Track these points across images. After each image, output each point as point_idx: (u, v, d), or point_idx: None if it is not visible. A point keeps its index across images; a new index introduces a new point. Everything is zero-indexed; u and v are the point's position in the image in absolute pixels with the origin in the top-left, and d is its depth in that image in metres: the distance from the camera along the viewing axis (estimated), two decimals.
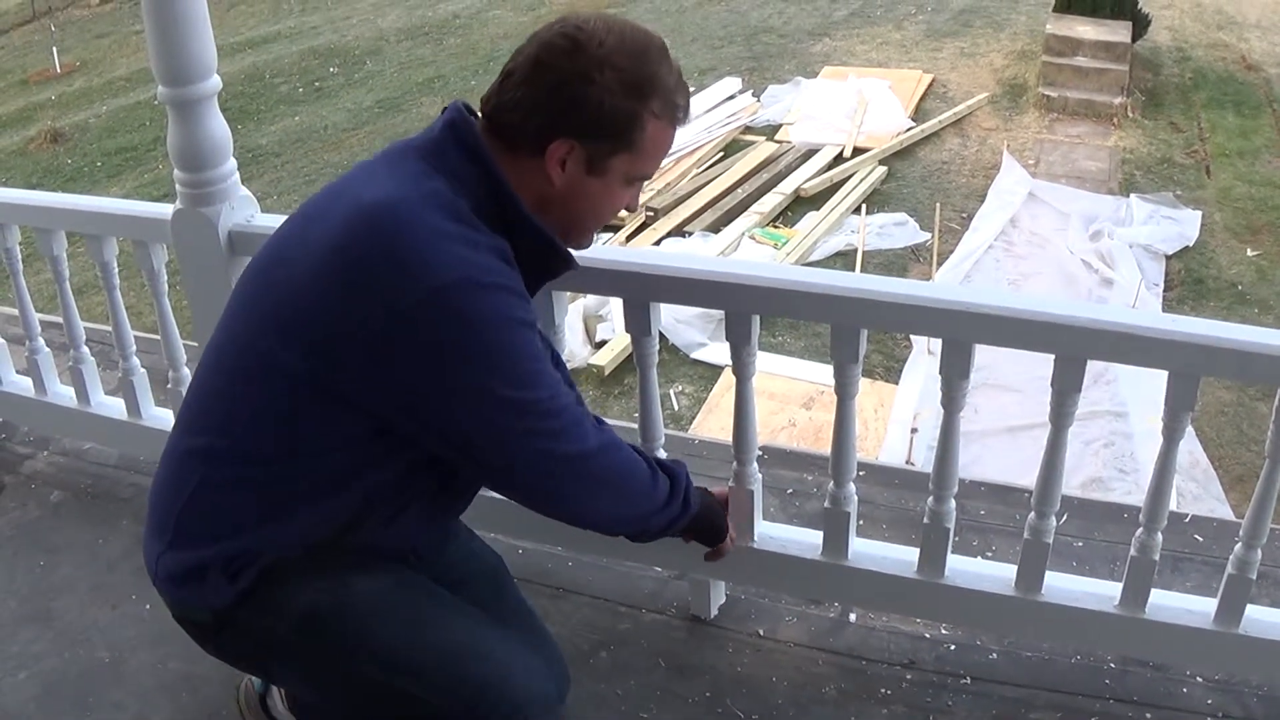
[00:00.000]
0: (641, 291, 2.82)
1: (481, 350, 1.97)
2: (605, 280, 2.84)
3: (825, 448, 3.02)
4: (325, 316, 1.98)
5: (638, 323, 2.87)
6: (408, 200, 2.00)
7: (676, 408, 7.79)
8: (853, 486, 2.95)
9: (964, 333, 2.62)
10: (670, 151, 2.27)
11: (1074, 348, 2.56)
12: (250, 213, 3.15)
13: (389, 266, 1.94)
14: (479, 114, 2.19)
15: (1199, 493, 6.92)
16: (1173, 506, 2.78)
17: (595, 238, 2.36)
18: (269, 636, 2.24)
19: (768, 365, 7.72)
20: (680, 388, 8.07)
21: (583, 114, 2.04)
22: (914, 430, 7.52)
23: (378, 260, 1.94)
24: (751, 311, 2.77)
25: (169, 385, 3.61)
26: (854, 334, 2.71)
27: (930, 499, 2.89)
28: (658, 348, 3.00)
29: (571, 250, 2.24)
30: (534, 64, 2.06)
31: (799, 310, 2.92)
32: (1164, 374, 2.56)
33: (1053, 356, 2.61)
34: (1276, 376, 2.51)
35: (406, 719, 2.27)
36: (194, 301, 3.23)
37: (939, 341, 2.73)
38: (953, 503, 2.88)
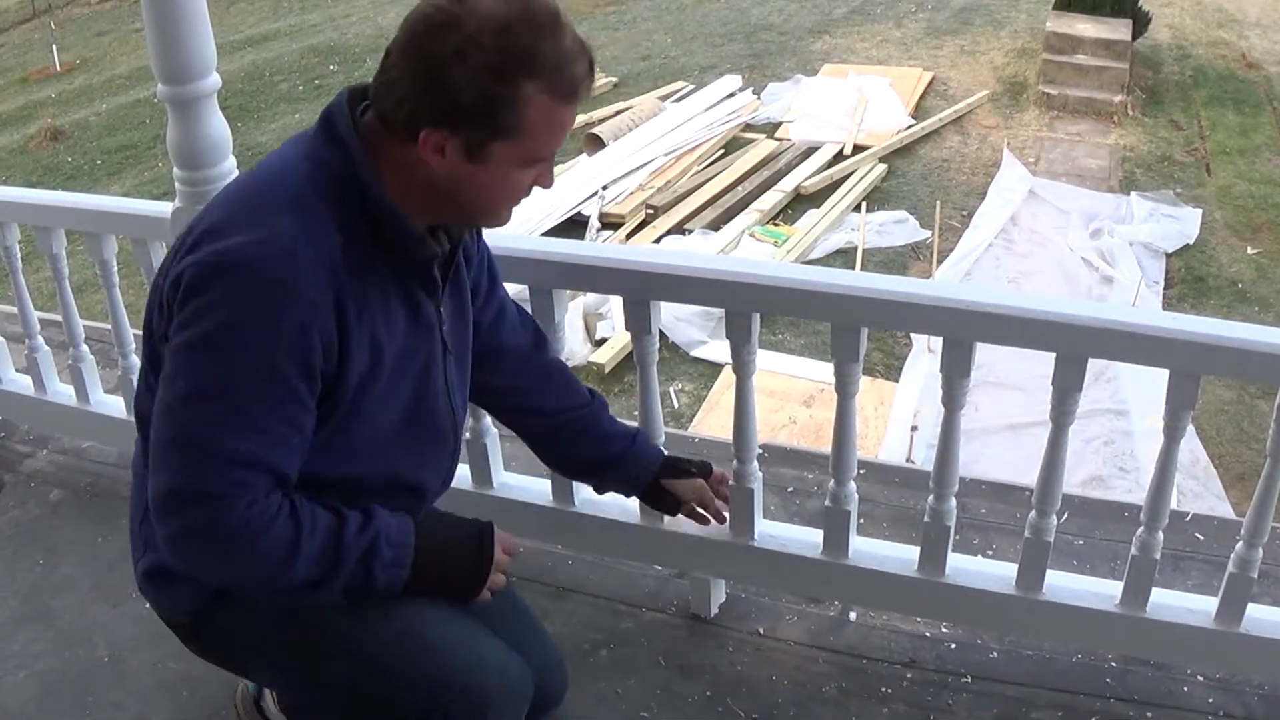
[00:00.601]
0: (641, 289, 2.81)
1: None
2: (605, 278, 2.84)
3: (825, 445, 3.02)
4: None
5: (638, 321, 2.87)
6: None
7: (677, 405, 7.78)
8: (853, 485, 2.95)
9: (965, 331, 2.62)
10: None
11: (1075, 346, 2.56)
12: None
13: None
14: None
15: (1200, 491, 6.91)
16: (1173, 505, 2.77)
17: (512, 216, 2.20)
18: (244, 638, 2.28)
19: (768, 363, 7.71)
20: (680, 385, 8.07)
21: (448, 101, 1.92)
22: (914, 428, 7.52)
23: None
24: (752, 309, 2.77)
25: None
26: (854, 332, 2.71)
27: (931, 497, 2.89)
28: (658, 346, 2.99)
29: (488, 228, 2.25)
30: (406, 42, 1.94)
31: (799, 308, 2.92)
32: (1165, 372, 2.56)
33: (1053, 355, 2.61)
34: (1277, 375, 2.51)
35: (376, 714, 2.27)
36: None
37: (939, 340, 2.73)
38: (953, 501, 2.88)
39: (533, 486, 3.31)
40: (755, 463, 3.00)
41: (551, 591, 3.40)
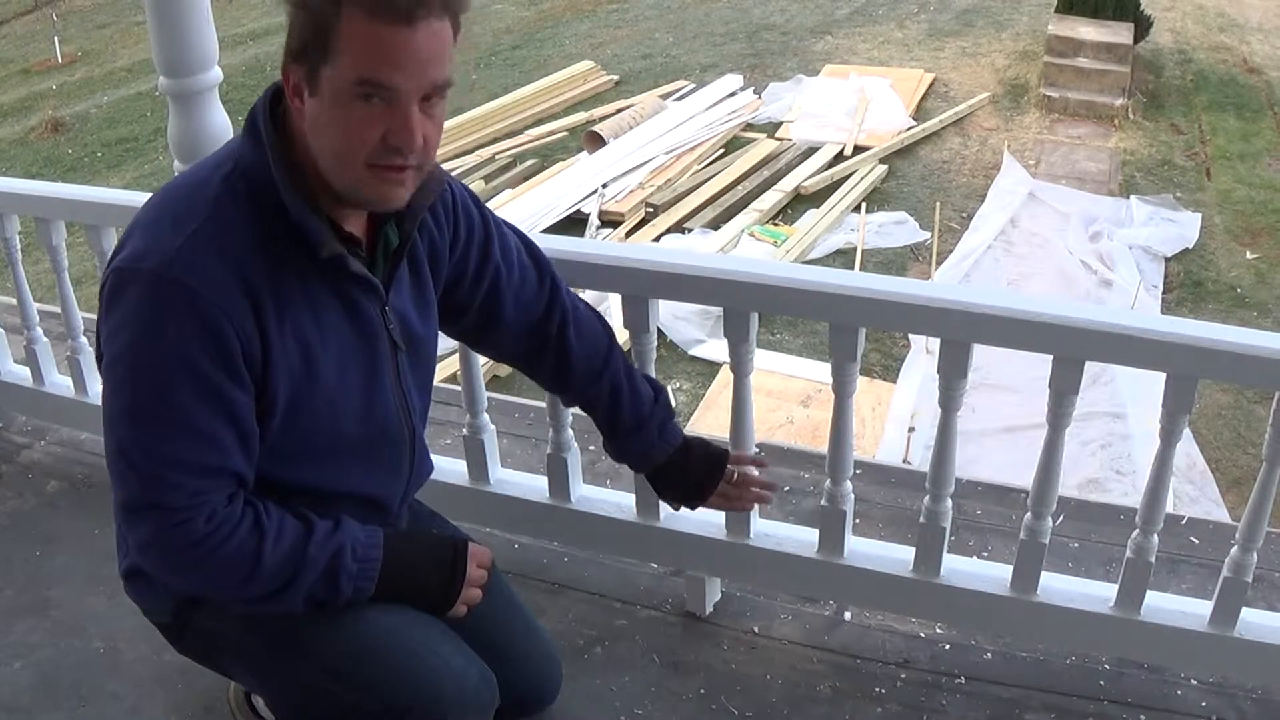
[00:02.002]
0: (640, 287, 2.82)
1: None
2: (603, 276, 2.84)
3: (822, 445, 3.02)
4: None
5: (636, 319, 2.88)
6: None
7: (675, 404, 7.75)
8: (849, 485, 2.96)
9: (962, 332, 2.63)
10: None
11: (1072, 349, 2.57)
12: None
13: None
14: None
15: (1196, 495, 6.92)
16: (1169, 508, 2.78)
17: (407, 187, 2.04)
18: (220, 640, 2.31)
19: (765, 362, 7.71)
20: (678, 384, 8.07)
21: (294, 32, 1.93)
22: (911, 429, 7.52)
23: None
24: (750, 309, 2.78)
25: None
26: (852, 332, 2.71)
27: (927, 498, 2.89)
28: (656, 344, 2.99)
29: (383, 209, 2.07)
30: None
31: (798, 308, 2.92)
32: (1162, 376, 2.56)
33: (1051, 357, 2.61)
34: (1274, 379, 2.51)
35: (332, 711, 2.26)
36: None
37: (937, 341, 2.73)
38: (949, 502, 2.88)
39: (529, 483, 3.32)
40: None
41: (547, 588, 3.40)
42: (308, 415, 2.09)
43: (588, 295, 2.81)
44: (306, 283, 2.03)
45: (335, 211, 2.05)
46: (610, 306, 8.36)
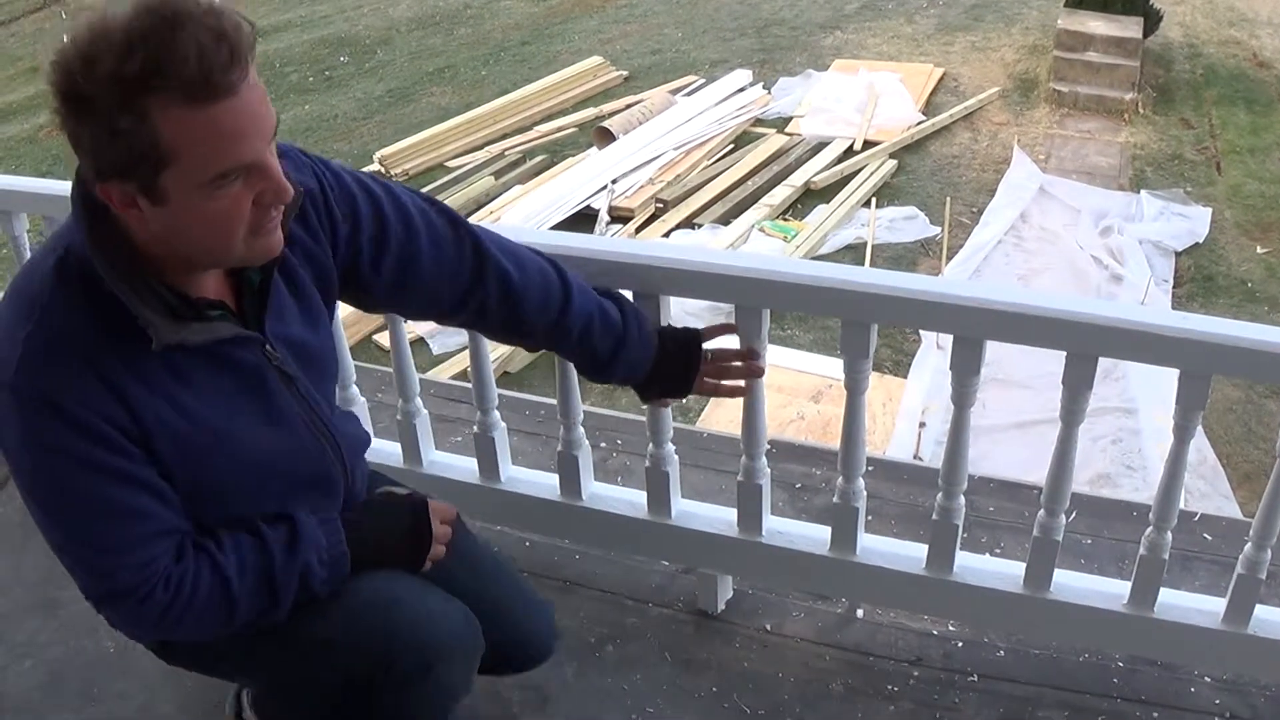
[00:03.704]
0: (651, 284, 2.80)
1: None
2: (613, 272, 2.83)
3: (833, 441, 3.02)
4: None
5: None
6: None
7: (685, 399, 7.76)
8: (861, 482, 2.95)
9: (975, 329, 2.62)
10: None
11: (1085, 345, 2.55)
12: None
13: None
14: None
15: (1207, 490, 6.90)
16: (1181, 504, 2.77)
17: (277, 233, 1.94)
18: (205, 648, 2.30)
19: (776, 358, 7.70)
20: None
21: (97, 152, 1.76)
22: (922, 424, 7.51)
23: None
24: (762, 305, 2.76)
25: None
26: (864, 329, 2.70)
27: (940, 495, 2.88)
28: None
29: (270, 258, 1.97)
30: (53, 95, 1.78)
31: (810, 305, 2.90)
32: (1173, 371, 2.55)
33: (1063, 353, 2.60)
34: None
35: (334, 687, 2.27)
36: None
37: (948, 337, 2.72)
38: (962, 499, 2.88)
39: (540, 480, 3.31)
40: (764, 459, 3.00)
41: (558, 586, 3.40)
42: (210, 470, 2.04)
43: None
44: (168, 356, 1.92)
45: (185, 282, 1.94)
46: None
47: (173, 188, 1.75)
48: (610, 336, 2.59)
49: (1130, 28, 13.01)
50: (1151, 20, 13.50)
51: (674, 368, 2.69)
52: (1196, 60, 13.79)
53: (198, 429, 1.98)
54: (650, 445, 3.08)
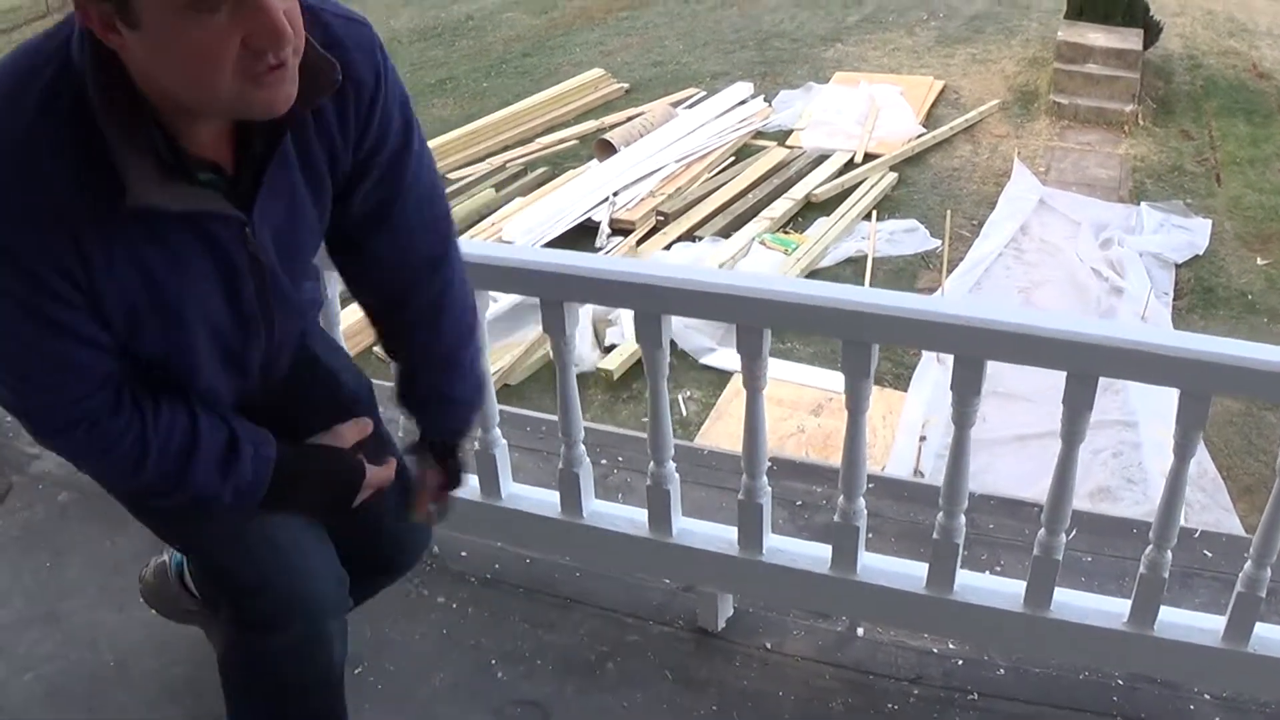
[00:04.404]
0: (653, 303, 2.81)
1: None
2: (617, 292, 2.84)
3: (834, 454, 3.03)
4: None
5: (649, 335, 2.87)
6: None
7: (685, 413, 7.78)
8: (863, 501, 2.95)
9: (976, 349, 2.63)
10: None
11: (1085, 365, 2.56)
12: None
13: None
14: None
15: (1207, 503, 6.90)
16: (1181, 517, 2.78)
17: (286, 88, 1.72)
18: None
19: (776, 371, 7.66)
20: (689, 393, 8.06)
21: None
22: (922, 438, 7.51)
23: None
24: (763, 325, 2.77)
25: None
26: (866, 348, 2.70)
27: (940, 514, 2.89)
28: (669, 359, 2.99)
29: (272, 115, 1.75)
30: None
31: (810, 324, 2.92)
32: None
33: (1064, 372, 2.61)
34: None
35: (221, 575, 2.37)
36: None
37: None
38: (963, 518, 2.88)
39: (541, 498, 3.32)
40: (765, 478, 3.00)
41: (558, 603, 3.41)
42: (147, 343, 1.93)
43: (597, 310, 2.79)
44: (143, 212, 1.75)
45: (182, 132, 1.77)
46: (620, 315, 8.40)
47: (145, 10, 1.58)
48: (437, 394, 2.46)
49: (1130, 39, 13.03)
50: (1152, 32, 13.52)
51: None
52: (1196, 71, 13.81)
53: (153, 300, 1.86)
54: (651, 463, 3.08)
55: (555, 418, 3.20)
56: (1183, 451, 2.63)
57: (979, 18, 15.74)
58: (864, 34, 15.41)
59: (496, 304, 7.58)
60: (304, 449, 2.23)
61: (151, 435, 1.98)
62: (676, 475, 3.10)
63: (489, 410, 3.20)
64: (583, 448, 3.17)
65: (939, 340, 2.80)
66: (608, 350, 8.43)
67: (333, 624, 2.40)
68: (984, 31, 15.16)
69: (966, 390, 2.69)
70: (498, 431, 3.24)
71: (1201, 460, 7.18)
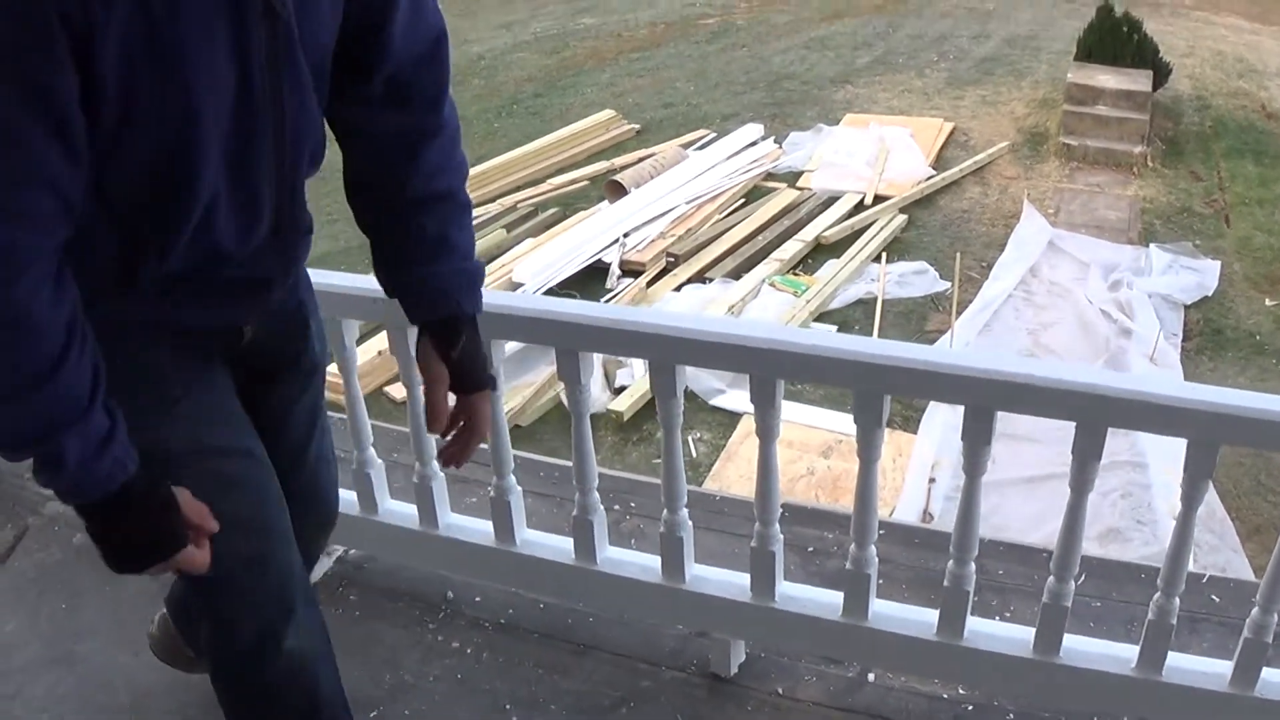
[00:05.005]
0: (666, 354, 2.84)
1: None
2: (629, 342, 2.87)
3: (844, 497, 3.05)
4: None
5: (664, 386, 2.90)
6: None
7: (695, 455, 7.79)
8: (874, 549, 2.97)
9: (987, 399, 2.65)
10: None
11: (1095, 415, 2.59)
12: None
13: None
14: None
15: (1216, 543, 6.90)
16: (1190, 559, 2.80)
17: None
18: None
19: (786, 413, 7.58)
20: (699, 435, 8.07)
21: None
22: (932, 480, 7.51)
23: None
24: (777, 376, 2.80)
25: None
26: (878, 399, 2.73)
27: (951, 562, 2.91)
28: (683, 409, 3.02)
29: None
30: None
31: (823, 375, 2.95)
32: None
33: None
34: None
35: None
36: None
37: None
38: (973, 566, 2.90)
39: (555, 544, 3.34)
40: (777, 525, 3.03)
41: (572, 648, 3.42)
42: (147, 102, 1.72)
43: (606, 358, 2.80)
44: None
45: None
46: (633, 361, 8.41)
47: None
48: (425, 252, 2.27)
49: (1140, 81, 13.07)
50: (1161, 73, 13.57)
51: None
52: (1205, 112, 13.84)
53: (152, 46, 1.67)
54: (665, 511, 3.12)
55: (568, 463, 3.23)
56: (1190, 500, 2.66)
57: (989, 60, 15.80)
58: (874, 75, 15.48)
59: (507, 345, 7.60)
60: (152, 491, 1.99)
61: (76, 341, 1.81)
62: (690, 523, 3.13)
63: (503, 456, 3.23)
64: (596, 495, 3.20)
65: (950, 391, 2.81)
66: (618, 391, 8.45)
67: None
68: (994, 73, 15.22)
69: (977, 440, 2.72)
70: (513, 479, 3.27)
71: (1210, 501, 7.18)
